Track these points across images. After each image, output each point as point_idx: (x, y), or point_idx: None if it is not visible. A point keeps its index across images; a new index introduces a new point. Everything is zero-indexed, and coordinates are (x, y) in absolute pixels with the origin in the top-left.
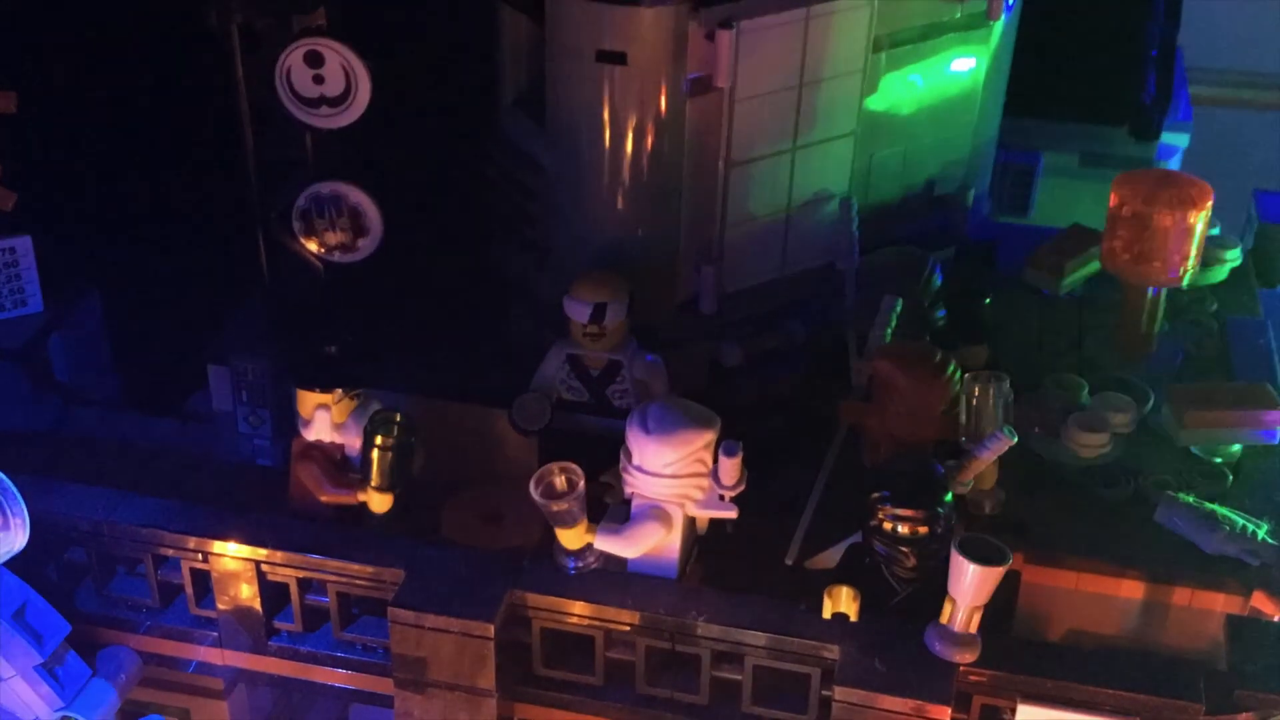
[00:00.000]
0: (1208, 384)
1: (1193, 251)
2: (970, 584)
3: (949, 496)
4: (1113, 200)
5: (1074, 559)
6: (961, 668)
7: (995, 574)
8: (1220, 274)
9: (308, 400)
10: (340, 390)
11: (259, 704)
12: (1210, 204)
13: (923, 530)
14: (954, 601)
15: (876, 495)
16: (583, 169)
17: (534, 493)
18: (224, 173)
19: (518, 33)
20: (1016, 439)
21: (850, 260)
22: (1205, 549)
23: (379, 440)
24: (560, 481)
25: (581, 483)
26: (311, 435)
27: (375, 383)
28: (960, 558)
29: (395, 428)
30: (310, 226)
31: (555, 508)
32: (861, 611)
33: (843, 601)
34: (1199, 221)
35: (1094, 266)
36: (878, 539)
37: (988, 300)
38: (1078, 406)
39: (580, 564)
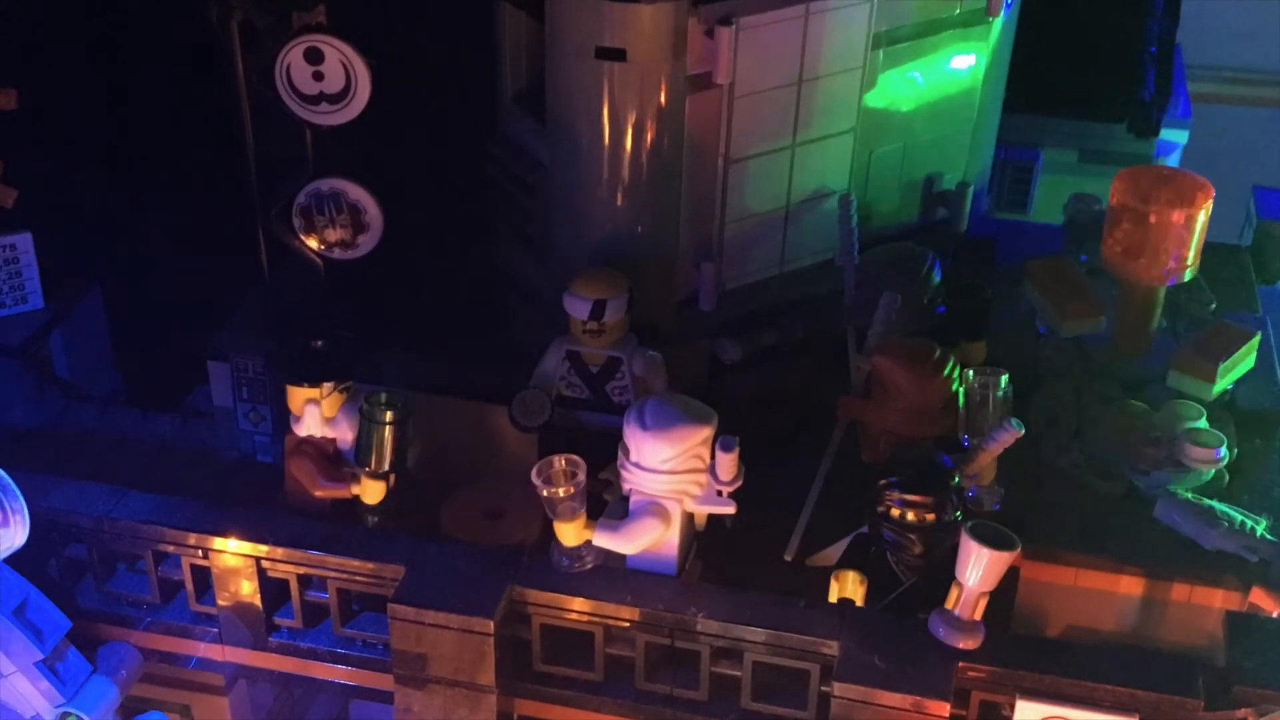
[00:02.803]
0: None
1: (1192, 248)
2: (980, 569)
3: (955, 483)
4: (1112, 197)
5: (1073, 555)
6: (960, 663)
7: (1005, 559)
8: (1248, 364)
9: (297, 396)
10: (328, 384)
11: (259, 700)
12: (1210, 201)
13: (930, 517)
14: (960, 586)
15: (884, 481)
16: (582, 166)
17: (535, 479)
18: (224, 170)
19: (517, 29)
20: (1024, 430)
21: (849, 257)
22: (1204, 545)
23: (388, 416)
24: (562, 467)
25: (582, 473)
26: (303, 430)
27: (374, 379)
28: (971, 541)
29: (397, 403)
30: (310, 223)
31: (557, 493)
32: (868, 598)
33: (849, 586)
34: (1199, 218)
35: (1248, 364)
36: (885, 525)
37: (987, 297)
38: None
39: (578, 564)
